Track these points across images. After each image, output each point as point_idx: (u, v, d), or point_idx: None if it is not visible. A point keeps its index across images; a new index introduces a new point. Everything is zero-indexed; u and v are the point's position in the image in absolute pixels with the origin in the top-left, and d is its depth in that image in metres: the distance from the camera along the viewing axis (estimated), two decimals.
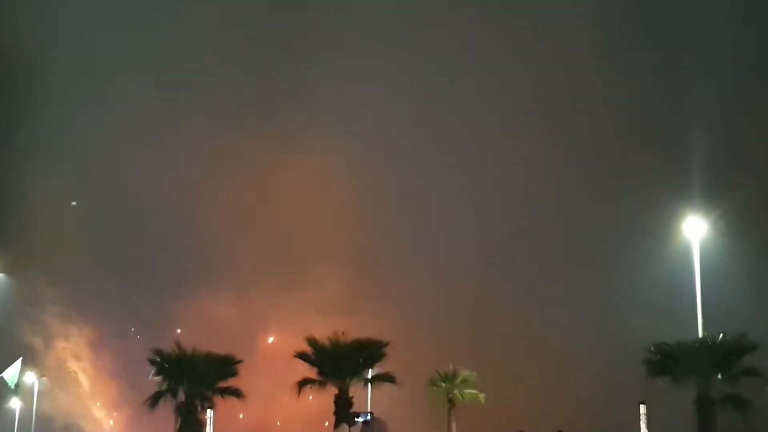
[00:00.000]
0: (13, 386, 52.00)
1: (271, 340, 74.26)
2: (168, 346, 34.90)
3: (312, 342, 35.65)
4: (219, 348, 36.74)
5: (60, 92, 70.03)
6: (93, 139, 72.59)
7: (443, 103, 69.91)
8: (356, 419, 33.65)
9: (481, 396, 42.43)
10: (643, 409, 35.06)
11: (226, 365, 34.58)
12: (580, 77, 64.57)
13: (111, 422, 74.32)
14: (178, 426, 32.77)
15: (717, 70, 55.84)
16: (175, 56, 71.26)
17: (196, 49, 72.36)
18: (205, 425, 33.99)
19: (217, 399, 34.38)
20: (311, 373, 35.55)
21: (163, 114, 71.57)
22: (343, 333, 36.06)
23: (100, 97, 72.18)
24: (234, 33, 71.43)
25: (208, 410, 34.25)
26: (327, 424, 36.35)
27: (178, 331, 66.16)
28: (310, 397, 37.01)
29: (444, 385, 42.20)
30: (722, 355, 31.78)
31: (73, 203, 73.92)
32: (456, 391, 41.93)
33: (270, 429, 52.13)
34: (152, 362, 34.20)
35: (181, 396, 33.21)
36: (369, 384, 37.62)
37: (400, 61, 69.78)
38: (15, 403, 64.74)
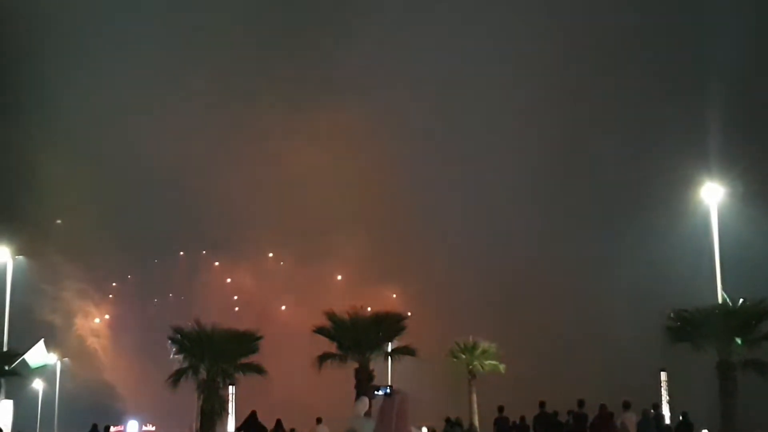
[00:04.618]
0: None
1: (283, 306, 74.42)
2: (187, 320, 34.95)
3: (331, 316, 35.72)
4: (238, 321, 36.78)
5: (71, 68, 69.95)
6: (107, 114, 72.68)
7: (464, 71, 69.42)
8: (377, 392, 33.67)
9: (502, 367, 42.36)
10: (664, 376, 35.18)
11: (247, 341, 34.58)
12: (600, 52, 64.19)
13: None
14: (200, 403, 32.89)
15: (736, 38, 55.31)
16: (193, 26, 71.01)
17: (212, 18, 72.16)
18: (228, 402, 34.14)
19: (239, 376, 34.43)
20: (331, 347, 35.71)
21: (180, 84, 71.45)
22: (361, 307, 36.14)
23: (111, 70, 72.20)
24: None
25: (230, 387, 34.41)
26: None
27: (196, 308, 66.40)
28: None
29: (464, 356, 42.18)
30: (742, 321, 31.78)
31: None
32: (476, 363, 41.89)
33: (293, 403, 52.28)
34: (172, 340, 34.20)
35: (203, 373, 33.27)
36: (389, 357, 37.81)
37: (421, 29, 69.27)
38: (38, 384, 64.94)
